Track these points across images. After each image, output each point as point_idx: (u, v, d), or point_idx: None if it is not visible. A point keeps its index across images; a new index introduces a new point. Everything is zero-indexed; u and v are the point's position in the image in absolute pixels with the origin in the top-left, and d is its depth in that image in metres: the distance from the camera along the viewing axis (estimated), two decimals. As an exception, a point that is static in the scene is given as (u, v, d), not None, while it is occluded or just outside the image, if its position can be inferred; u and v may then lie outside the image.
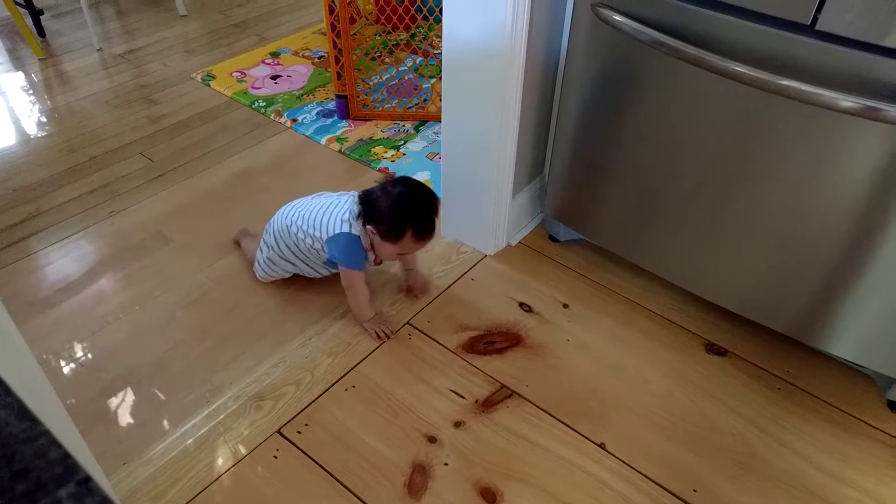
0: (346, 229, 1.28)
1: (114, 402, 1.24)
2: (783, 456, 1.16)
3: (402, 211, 1.24)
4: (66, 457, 0.30)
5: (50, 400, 0.70)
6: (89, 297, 1.46)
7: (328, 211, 1.32)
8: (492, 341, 1.34)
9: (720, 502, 1.09)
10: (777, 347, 1.34)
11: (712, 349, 1.35)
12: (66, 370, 1.30)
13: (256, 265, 1.46)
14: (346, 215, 1.29)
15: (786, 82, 1.00)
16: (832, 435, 1.19)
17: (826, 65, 0.99)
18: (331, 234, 1.29)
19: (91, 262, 1.56)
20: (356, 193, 1.31)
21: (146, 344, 1.35)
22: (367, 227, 1.27)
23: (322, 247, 1.32)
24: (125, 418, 1.22)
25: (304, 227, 1.33)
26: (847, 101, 0.96)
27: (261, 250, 1.44)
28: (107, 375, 1.29)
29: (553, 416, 1.21)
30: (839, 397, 1.26)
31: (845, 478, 1.13)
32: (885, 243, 1.07)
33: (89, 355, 1.33)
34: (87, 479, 0.29)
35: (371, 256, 1.33)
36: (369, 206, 1.26)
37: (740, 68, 1.03)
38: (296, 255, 1.38)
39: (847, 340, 1.20)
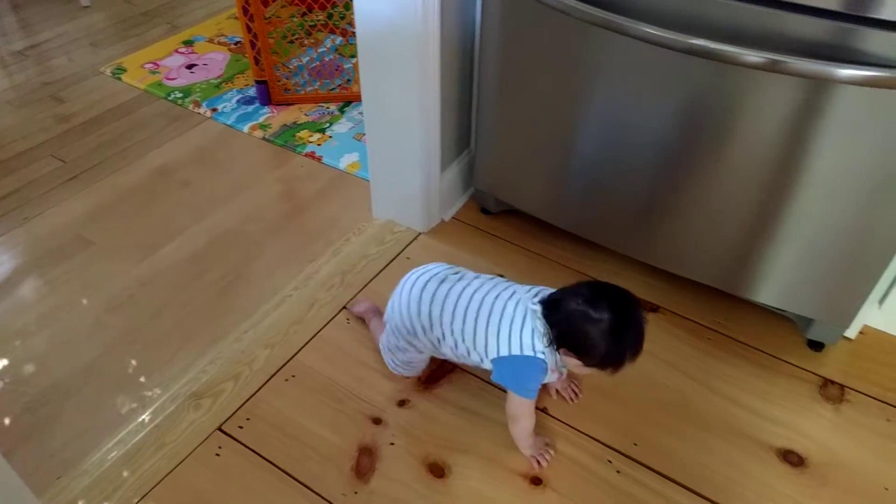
0: (529, 353, 1.01)
1: (42, 416, 1.19)
2: (714, 402, 1.21)
3: (621, 343, 0.97)
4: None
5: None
6: (7, 308, 1.39)
7: (500, 326, 1.04)
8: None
9: (659, 452, 1.13)
10: (707, 300, 1.39)
11: (646, 307, 1.38)
12: (-14, 388, 1.24)
13: (388, 360, 1.21)
14: (530, 337, 1.01)
15: (695, 41, 1.02)
16: (758, 377, 1.25)
17: (733, 22, 1.02)
18: (504, 353, 1.03)
19: (6, 271, 1.48)
20: (533, 304, 1.03)
21: (72, 353, 1.30)
22: (561, 350, 1.01)
23: (485, 360, 1.07)
24: (56, 431, 1.17)
25: (465, 343, 1.07)
26: (753, 56, 0.99)
27: (389, 350, 1.19)
28: (32, 389, 1.23)
29: (494, 386, 1.22)
30: (764, 341, 1.32)
31: (770, 415, 1.19)
32: (798, 192, 1.11)
33: (12, 370, 1.27)
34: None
35: (553, 377, 1.06)
36: (566, 331, 0.99)
37: (651, 30, 1.05)
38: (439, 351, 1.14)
39: (769, 287, 1.25)
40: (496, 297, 1.06)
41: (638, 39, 1.07)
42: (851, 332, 1.31)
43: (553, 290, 1.05)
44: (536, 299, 1.03)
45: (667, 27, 1.03)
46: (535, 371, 1.02)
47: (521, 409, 1.07)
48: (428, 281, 1.11)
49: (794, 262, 1.19)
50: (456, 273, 1.13)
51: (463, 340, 1.07)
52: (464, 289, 1.08)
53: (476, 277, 1.12)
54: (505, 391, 1.08)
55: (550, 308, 1.01)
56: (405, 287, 1.13)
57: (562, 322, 0.99)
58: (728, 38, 1.01)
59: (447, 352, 1.11)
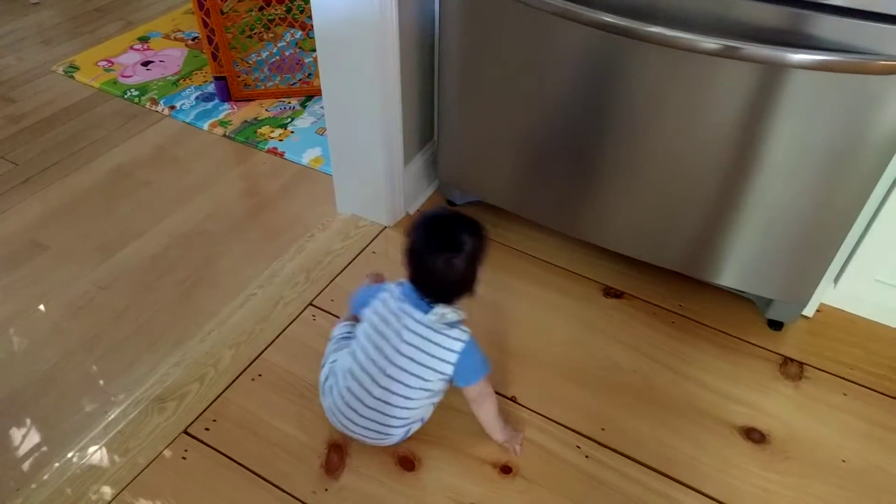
0: (464, 337, 1.01)
1: (0, 426, 1.16)
2: (678, 384, 1.23)
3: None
4: None
5: None
6: (-41, 318, 1.35)
7: (419, 342, 1.00)
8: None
9: (626, 435, 1.15)
10: (669, 284, 1.41)
11: (610, 293, 1.40)
12: (-60, 401, 1.20)
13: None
14: (450, 326, 1.00)
15: (651, 29, 1.03)
16: (720, 358, 1.28)
17: (687, 9, 1.03)
18: (452, 360, 1.00)
19: (-43, 280, 1.43)
20: (396, 286, 1.03)
21: (30, 361, 1.26)
22: (454, 302, 1.02)
23: (445, 379, 1.03)
24: (15, 443, 1.14)
25: (412, 384, 1.02)
26: (708, 43, 1.00)
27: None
28: (-12, 400, 1.20)
29: (464, 378, 1.23)
30: (726, 322, 1.34)
31: (733, 395, 1.22)
32: (753, 176, 1.13)
33: (-34, 381, 1.23)
34: None
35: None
36: (447, 287, 1.00)
37: (607, 18, 1.05)
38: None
39: (729, 270, 1.28)
40: (400, 347, 1.01)
41: (595, 28, 1.08)
42: (809, 310, 1.34)
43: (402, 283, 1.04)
44: (419, 311, 1.00)
45: (623, 15, 1.04)
46: (474, 343, 1.03)
47: (485, 387, 1.06)
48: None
49: (753, 244, 1.22)
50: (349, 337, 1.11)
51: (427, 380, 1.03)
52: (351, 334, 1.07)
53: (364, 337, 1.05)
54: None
55: (414, 276, 1.01)
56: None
57: (429, 283, 0.99)
58: (683, 25, 1.02)
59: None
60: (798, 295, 1.25)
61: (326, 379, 1.10)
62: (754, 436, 1.16)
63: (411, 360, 1.01)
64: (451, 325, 1.01)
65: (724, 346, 1.30)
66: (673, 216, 1.26)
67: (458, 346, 1.01)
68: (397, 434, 1.07)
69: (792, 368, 1.26)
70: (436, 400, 1.09)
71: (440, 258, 0.96)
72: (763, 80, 1.04)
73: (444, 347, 1.01)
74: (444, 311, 1.00)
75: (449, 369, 1.01)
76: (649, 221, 1.29)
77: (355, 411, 1.04)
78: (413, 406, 1.04)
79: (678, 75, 1.09)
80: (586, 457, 1.12)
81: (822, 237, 1.16)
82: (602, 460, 1.11)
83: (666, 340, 1.31)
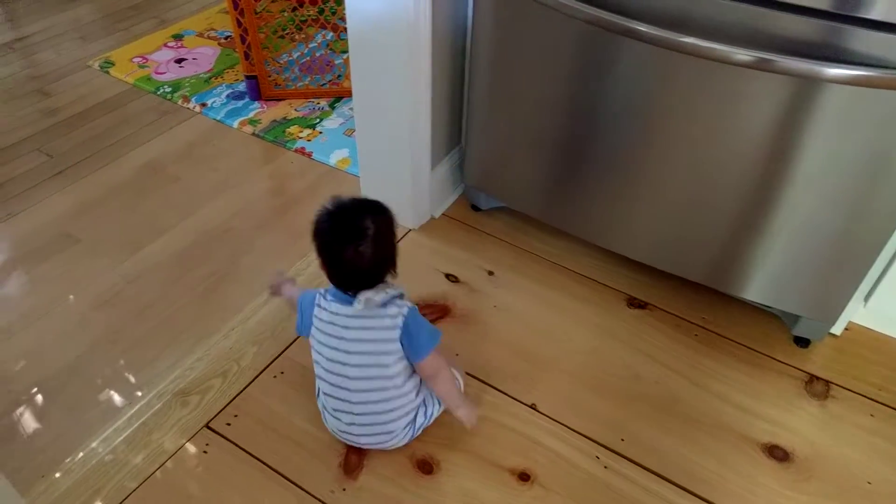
0: (402, 309, 1.01)
1: (26, 415, 1.18)
2: (702, 398, 1.22)
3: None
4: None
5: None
6: (-9, 306, 1.38)
7: (359, 335, 1.01)
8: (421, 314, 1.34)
9: (646, 447, 1.14)
10: (693, 296, 1.40)
11: (633, 303, 1.39)
12: (-30, 386, 1.23)
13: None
14: (389, 302, 1.00)
15: (684, 39, 1.02)
16: (745, 373, 1.26)
17: (721, 20, 1.02)
18: (394, 335, 1.00)
19: (-10, 269, 1.46)
20: (325, 293, 1.03)
21: (57, 351, 1.29)
22: (389, 274, 1.03)
23: (401, 357, 1.02)
24: (40, 430, 1.16)
25: (374, 375, 1.03)
26: (742, 55, 0.99)
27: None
28: (16, 388, 1.22)
29: (484, 382, 1.22)
30: (751, 338, 1.32)
31: (758, 411, 1.20)
32: (784, 190, 1.12)
33: (-4, 368, 1.26)
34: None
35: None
36: (371, 267, 0.99)
37: (641, 27, 1.05)
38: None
39: (756, 284, 1.26)
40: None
41: (628, 37, 1.07)
42: (837, 328, 1.32)
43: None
44: (346, 306, 1.00)
45: (657, 25, 1.04)
46: (416, 314, 1.02)
47: (436, 359, 1.03)
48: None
49: (782, 259, 1.20)
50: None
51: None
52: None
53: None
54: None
55: (342, 282, 1.00)
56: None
57: (358, 279, 0.99)
58: (718, 37, 1.01)
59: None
60: (827, 312, 1.23)
61: (321, 401, 1.11)
62: (777, 454, 1.14)
63: (362, 353, 1.01)
64: (385, 304, 1.00)
65: (748, 361, 1.28)
66: (700, 228, 1.24)
67: (398, 320, 0.99)
68: (400, 431, 1.07)
69: (818, 387, 1.24)
70: (416, 383, 1.07)
71: (348, 249, 0.95)
72: (797, 93, 1.02)
73: (383, 328, 1.00)
74: (367, 296, 0.98)
75: (397, 346, 1.00)
76: (675, 232, 1.28)
77: (349, 423, 1.06)
78: (395, 396, 1.03)
79: (710, 86, 1.08)
80: (605, 467, 1.11)
81: (853, 254, 1.14)
82: (621, 471, 1.10)
83: (689, 353, 1.29)
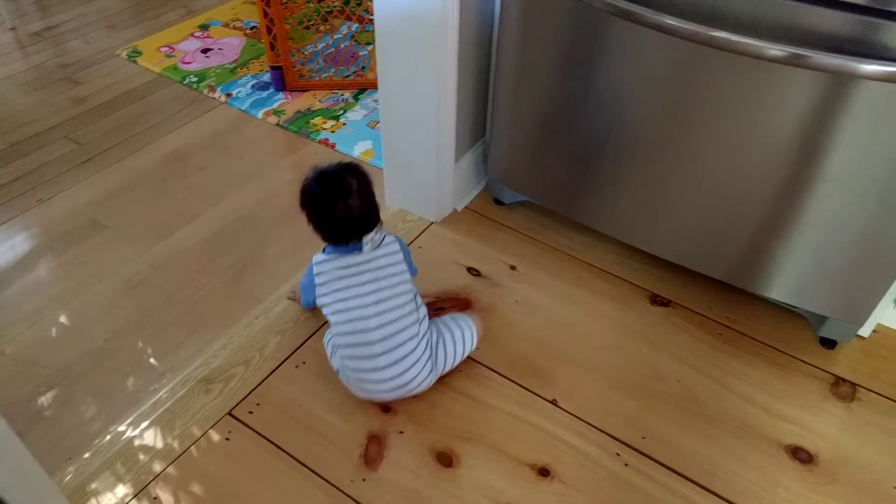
0: (395, 239, 1.16)
1: (54, 397, 1.20)
2: (724, 397, 1.21)
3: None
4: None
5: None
6: (20, 290, 1.40)
7: (383, 263, 1.13)
8: (441, 307, 1.34)
9: (667, 446, 1.13)
10: (718, 295, 1.38)
11: (656, 300, 1.38)
12: None
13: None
14: (377, 242, 1.13)
15: (716, 33, 1.01)
16: (769, 374, 1.24)
17: (753, 15, 1.00)
18: (400, 257, 1.14)
19: (20, 253, 1.49)
20: (319, 256, 1.16)
21: (84, 335, 1.31)
22: (377, 227, 1.15)
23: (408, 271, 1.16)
24: (67, 413, 1.18)
25: (409, 292, 1.13)
26: (774, 50, 0.97)
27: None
28: (45, 371, 1.24)
29: (505, 377, 1.22)
30: (776, 338, 1.31)
31: (782, 412, 1.18)
32: (813, 189, 1.10)
33: (24, 352, 1.28)
34: None
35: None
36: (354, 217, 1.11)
37: (671, 21, 1.03)
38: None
39: (782, 283, 1.24)
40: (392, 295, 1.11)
41: (658, 30, 1.06)
42: (865, 330, 1.30)
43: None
44: (358, 252, 1.12)
45: (687, 18, 1.02)
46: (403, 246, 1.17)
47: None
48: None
49: (809, 258, 1.18)
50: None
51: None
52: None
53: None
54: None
55: (341, 237, 1.12)
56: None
57: (354, 230, 1.11)
58: (749, 31, 1.00)
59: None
60: (855, 314, 1.21)
61: (334, 353, 1.17)
62: (801, 455, 1.12)
63: (377, 288, 1.10)
64: (383, 239, 1.14)
65: (772, 361, 1.27)
66: (726, 225, 1.23)
67: (397, 245, 1.15)
68: (421, 367, 1.12)
69: (844, 389, 1.23)
70: (425, 311, 1.16)
71: (339, 205, 1.08)
72: (830, 89, 1.00)
73: (392, 254, 1.14)
74: (372, 237, 1.12)
75: (404, 267, 1.14)
76: (701, 229, 1.26)
77: (371, 369, 1.10)
78: (411, 323, 1.10)
79: (741, 81, 1.07)
80: (626, 465, 1.10)
81: (883, 255, 1.12)
82: (641, 469, 1.10)
83: (712, 352, 1.28)
